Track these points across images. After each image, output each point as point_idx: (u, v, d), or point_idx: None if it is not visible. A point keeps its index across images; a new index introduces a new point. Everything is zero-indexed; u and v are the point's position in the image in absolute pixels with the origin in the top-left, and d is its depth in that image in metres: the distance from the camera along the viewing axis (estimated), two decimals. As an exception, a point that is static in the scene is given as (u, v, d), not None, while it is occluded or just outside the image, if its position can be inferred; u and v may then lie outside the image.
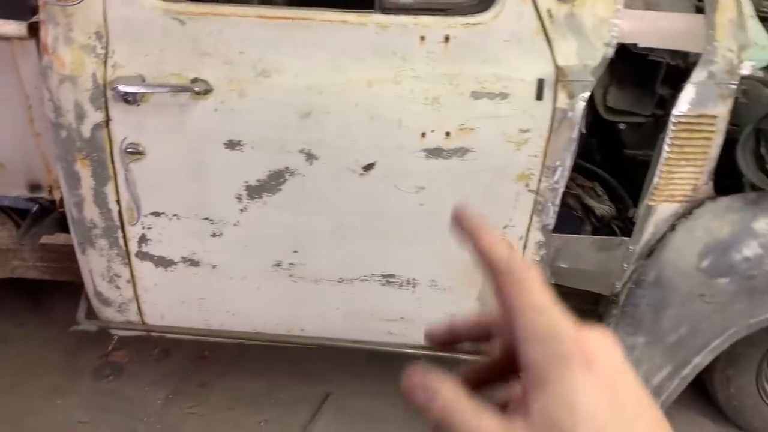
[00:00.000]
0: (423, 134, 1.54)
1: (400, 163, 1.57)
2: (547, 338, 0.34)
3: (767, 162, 1.60)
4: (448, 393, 0.36)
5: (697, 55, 1.59)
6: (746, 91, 1.65)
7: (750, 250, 1.65)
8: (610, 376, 0.33)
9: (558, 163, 1.58)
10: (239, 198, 1.63)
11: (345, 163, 1.57)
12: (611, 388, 0.33)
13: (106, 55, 1.49)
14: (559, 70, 1.51)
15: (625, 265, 1.77)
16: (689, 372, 1.83)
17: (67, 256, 2.02)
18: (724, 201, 1.67)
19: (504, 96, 1.51)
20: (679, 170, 1.63)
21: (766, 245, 1.64)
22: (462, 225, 0.40)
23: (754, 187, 1.71)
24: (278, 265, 1.74)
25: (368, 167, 1.58)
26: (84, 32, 1.48)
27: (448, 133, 1.54)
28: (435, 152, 1.56)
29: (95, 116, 1.52)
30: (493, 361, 0.42)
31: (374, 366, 2.28)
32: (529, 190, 1.62)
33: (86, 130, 1.54)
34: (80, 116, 1.53)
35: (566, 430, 0.32)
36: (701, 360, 1.80)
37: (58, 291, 2.27)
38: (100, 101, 1.51)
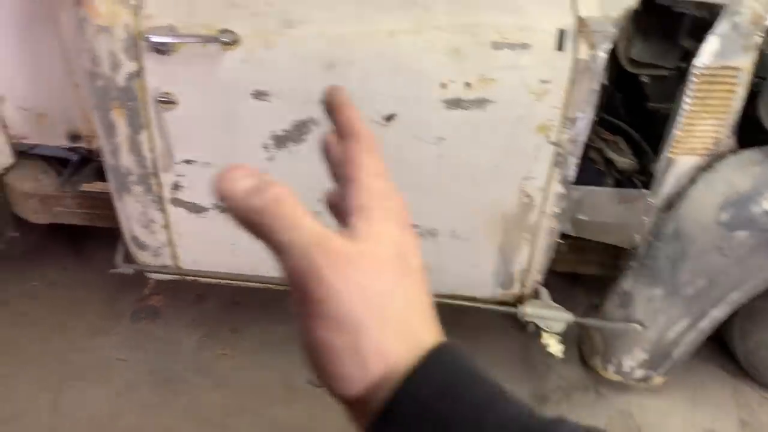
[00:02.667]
0: (443, 85, 1.57)
1: (420, 113, 1.61)
2: (380, 198, 0.42)
3: (792, 115, 1.59)
4: (284, 190, 0.39)
5: (723, 7, 1.57)
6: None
7: (770, 203, 1.65)
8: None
9: (579, 114, 1.60)
10: (266, 147, 1.69)
11: (367, 114, 1.61)
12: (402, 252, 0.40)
13: (138, 5, 1.54)
14: (580, 21, 1.51)
15: (646, 218, 1.79)
16: (707, 325, 1.86)
17: (105, 203, 2.11)
18: (746, 154, 1.67)
19: (525, 46, 1.52)
20: (701, 123, 1.63)
21: (788, 199, 1.64)
22: (331, 100, 0.47)
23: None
24: (304, 212, 1.80)
25: (389, 118, 1.62)
26: (117, -16, 1.54)
27: (468, 84, 1.56)
28: (455, 103, 1.59)
29: (129, 66, 1.59)
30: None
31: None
32: (550, 142, 1.64)
33: (121, 80, 1.61)
34: (115, 66, 1.60)
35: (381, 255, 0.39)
36: (719, 313, 1.83)
37: (99, 237, 2.38)
38: (133, 51, 1.57)
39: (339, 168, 0.46)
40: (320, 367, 0.38)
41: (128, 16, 1.55)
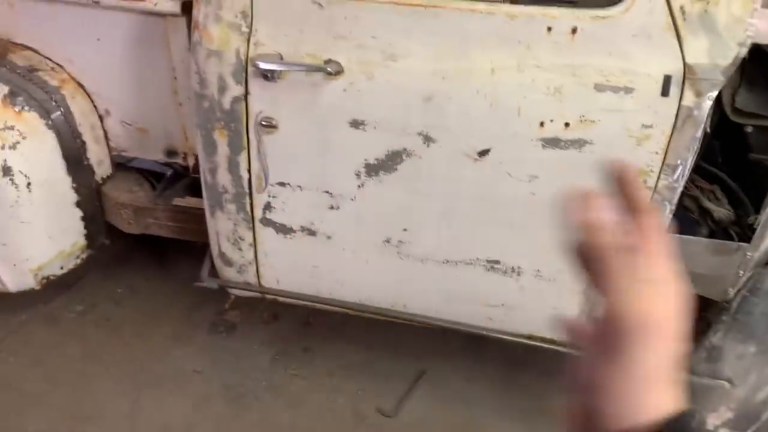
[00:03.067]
0: (542, 123, 1.56)
1: (515, 150, 1.61)
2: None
3: None
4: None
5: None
6: None
7: None
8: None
9: (679, 161, 1.56)
10: (358, 175, 1.72)
11: (461, 148, 1.63)
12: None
13: (249, 33, 1.61)
14: (687, 67, 1.49)
15: (741, 272, 1.72)
16: (801, 388, 1.76)
17: (194, 218, 2.20)
18: None
19: (628, 90, 1.51)
20: (809, 177, 1.56)
21: None
22: (620, 175, 0.51)
23: None
24: (388, 241, 1.82)
25: (483, 153, 1.62)
26: (232, 11, 1.61)
27: (567, 124, 1.55)
28: (552, 142, 1.58)
29: (235, 89, 1.66)
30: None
31: (470, 349, 2.33)
32: (647, 187, 1.61)
33: (226, 102, 1.68)
34: (222, 89, 1.67)
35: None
36: (815, 376, 1.73)
37: (181, 250, 2.47)
38: (241, 76, 1.64)
39: (619, 244, 0.49)
40: (596, 401, 0.47)
41: (239, 42, 1.62)
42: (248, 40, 1.62)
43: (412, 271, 1.87)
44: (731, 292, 1.77)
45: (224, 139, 1.74)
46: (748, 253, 1.69)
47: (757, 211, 1.77)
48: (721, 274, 1.75)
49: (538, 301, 1.86)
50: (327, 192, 1.77)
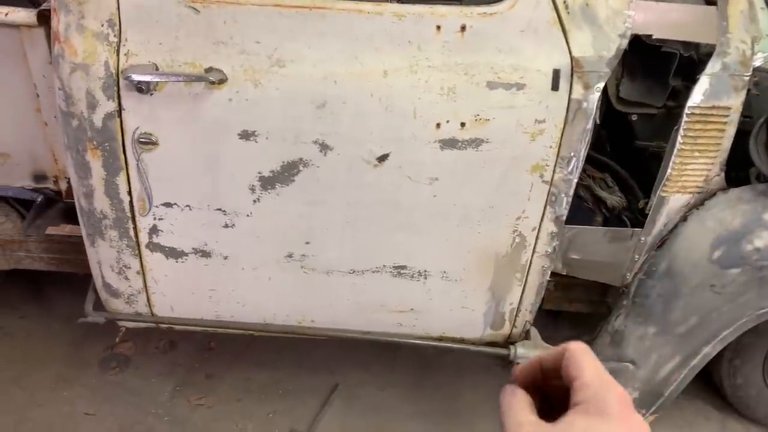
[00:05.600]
0: (438, 125, 1.53)
1: (414, 153, 1.57)
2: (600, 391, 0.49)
3: (778, 153, 1.61)
4: (516, 389, 0.54)
5: (709, 47, 1.59)
6: (757, 82, 1.66)
7: (761, 241, 1.66)
8: None
9: (572, 154, 1.58)
10: (252, 189, 1.62)
11: (359, 154, 1.56)
12: None
13: (119, 43, 1.47)
14: (574, 60, 1.51)
15: (637, 256, 1.78)
16: (698, 362, 1.85)
17: (72, 247, 2.00)
18: (736, 192, 1.68)
19: (520, 86, 1.51)
20: (692, 161, 1.63)
21: (777, 236, 1.65)
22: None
23: (760, 179, 1.73)
24: (290, 256, 1.73)
25: (382, 158, 1.57)
26: (97, 20, 1.46)
27: (463, 124, 1.53)
28: (450, 143, 1.55)
29: (107, 105, 1.50)
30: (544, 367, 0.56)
31: (381, 357, 2.28)
32: (543, 181, 1.62)
33: (98, 120, 1.52)
34: (92, 105, 1.51)
35: None
36: (710, 350, 1.82)
37: (59, 283, 2.25)
38: (112, 90, 1.49)
39: (544, 381, 0.56)
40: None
41: (108, 54, 1.47)
42: (118, 51, 1.47)
43: (318, 285, 1.78)
44: (629, 276, 1.83)
45: (98, 159, 1.58)
46: (642, 238, 1.75)
47: (646, 195, 1.85)
48: (618, 260, 1.80)
49: (447, 301, 1.84)
50: (220, 210, 1.65)
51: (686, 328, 1.79)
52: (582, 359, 0.51)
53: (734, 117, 1.58)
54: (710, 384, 2.18)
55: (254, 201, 1.64)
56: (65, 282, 2.14)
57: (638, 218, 1.82)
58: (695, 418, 2.19)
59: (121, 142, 1.55)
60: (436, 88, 1.50)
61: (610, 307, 1.99)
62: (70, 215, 1.93)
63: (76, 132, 1.55)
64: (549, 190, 1.64)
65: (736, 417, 2.19)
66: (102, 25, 1.46)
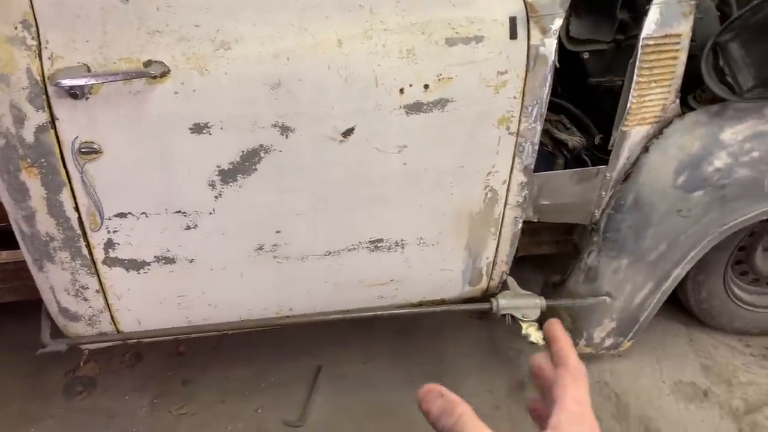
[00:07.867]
0: (401, 90, 1.46)
1: (380, 123, 1.50)
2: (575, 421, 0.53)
3: (726, 74, 1.65)
4: (466, 408, 0.52)
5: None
6: (698, 5, 1.67)
7: (720, 160, 1.70)
8: None
9: (536, 101, 1.56)
10: (212, 185, 1.51)
11: (323, 132, 1.48)
12: None
13: (39, 46, 1.30)
14: (528, 5, 1.47)
15: (603, 193, 1.80)
16: (669, 285, 1.92)
17: (12, 274, 1.84)
18: (691, 117, 1.71)
19: (479, 39, 1.45)
20: (650, 92, 1.64)
21: (734, 154, 1.70)
22: (549, 331, 0.61)
23: (697, 99, 1.76)
24: (261, 248, 1.64)
25: (348, 132, 1.49)
26: (8, 23, 1.29)
27: (426, 86, 1.47)
28: (415, 107, 1.49)
29: (38, 117, 1.34)
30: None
31: (359, 331, 2.25)
32: (510, 133, 1.59)
33: (29, 135, 1.36)
34: (19, 119, 1.34)
35: None
36: (680, 271, 1.89)
37: (4, 314, 2.07)
38: (41, 99, 1.33)
39: (547, 386, 0.58)
40: None
41: (29, 60, 1.30)
42: (40, 55, 1.31)
43: (294, 273, 1.71)
44: (597, 213, 1.85)
45: (36, 178, 1.42)
46: (608, 174, 1.77)
47: (600, 131, 1.86)
48: (586, 199, 1.82)
49: (426, 266, 1.81)
50: (179, 212, 1.54)
51: (657, 254, 1.84)
52: (569, 385, 0.55)
53: (685, 43, 1.60)
54: (675, 303, 2.26)
55: (215, 197, 1.53)
56: (11, 312, 1.96)
57: (597, 156, 1.83)
58: (664, 337, 2.28)
59: (59, 156, 1.40)
60: (395, 51, 1.43)
61: (577, 245, 2.02)
62: (6, 240, 1.75)
63: (5, 151, 1.38)
64: (516, 141, 1.61)
65: (701, 328, 2.30)
66: (15, 28, 1.29)
